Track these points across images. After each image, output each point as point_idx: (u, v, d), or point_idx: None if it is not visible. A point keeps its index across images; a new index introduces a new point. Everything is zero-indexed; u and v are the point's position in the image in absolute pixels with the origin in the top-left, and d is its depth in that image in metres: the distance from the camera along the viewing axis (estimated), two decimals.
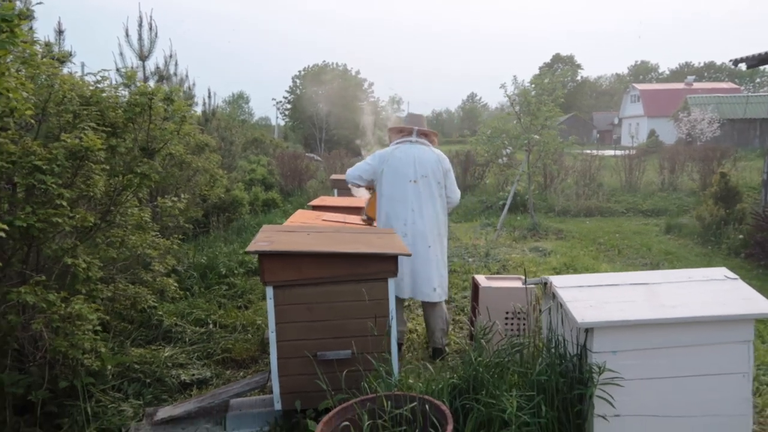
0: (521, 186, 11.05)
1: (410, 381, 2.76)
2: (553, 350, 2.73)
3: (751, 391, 2.61)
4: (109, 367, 3.71)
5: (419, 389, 2.66)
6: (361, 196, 5.66)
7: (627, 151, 16.77)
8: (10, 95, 2.28)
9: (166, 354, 4.32)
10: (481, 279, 4.42)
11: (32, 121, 3.07)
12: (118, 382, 3.77)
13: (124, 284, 4.37)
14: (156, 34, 7.77)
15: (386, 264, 3.02)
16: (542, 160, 10.25)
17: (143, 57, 7.79)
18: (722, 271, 2.88)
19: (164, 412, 3.39)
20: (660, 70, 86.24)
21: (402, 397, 2.48)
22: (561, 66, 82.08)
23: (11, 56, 2.17)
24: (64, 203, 3.05)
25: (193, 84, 10.01)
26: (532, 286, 3.62)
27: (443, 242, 4.31)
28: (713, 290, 2.70)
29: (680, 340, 2.54)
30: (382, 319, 3.03)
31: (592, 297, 2.65)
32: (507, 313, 4.08)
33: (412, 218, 4.12)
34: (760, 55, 9.65)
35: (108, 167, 3.68)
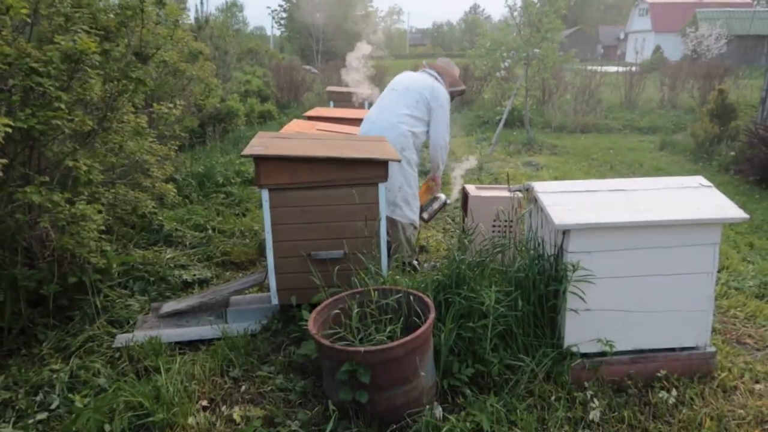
0: (518, 101, 10.98)
1: (397, 277, 2.95)
2: (532, 250, 2.91)
3: (714, 290, 2.80)
4: (115, 265, 3.91)
5: (406, 284, 2.85)
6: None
7: (628, 68, 16.42)
8: None
9: (168, 256, 4.53)
10: (471, 188, 4.54)
11: (27, 19, 3.06)
12: (124, 280, 3.99)
13: (124, 190, 4.50)
14: None
15: (377, 169, 3.14)
16: (540, 75, 10.12)
17: None
18: (698, 179, 3.01)
19: (169, 306, 3.63)
20: None
21: (389, 291, 2.68)
22: None
23: None
24: (63, 106, 3.10)
25: None
26: (519, 195, 3.75)
27: (410, 163, 4.01)
28: (686, 197, 2.84)
29: (651, 242, 2.70)
30: (372, 221, 3.18)
31: (570, 201, 2.79)
32: (494, 220, 4.25)
33: (376, 119, 4.07)
34: None
35: (103, 72, 3.70)
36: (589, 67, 17.30)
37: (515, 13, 9.67)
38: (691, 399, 2.66)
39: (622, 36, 56.40)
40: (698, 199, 2.81)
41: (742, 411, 2.56)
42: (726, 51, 28.90)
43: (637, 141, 11.84)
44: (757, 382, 2.84)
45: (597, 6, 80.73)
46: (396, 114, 3.99)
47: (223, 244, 4.90)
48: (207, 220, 5.47)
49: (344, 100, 9.02)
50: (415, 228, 4.18)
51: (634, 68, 16.66)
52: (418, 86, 4.09)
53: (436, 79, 4.24)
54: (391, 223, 4.05)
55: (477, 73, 14.07)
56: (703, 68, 16.07)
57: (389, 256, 3.62)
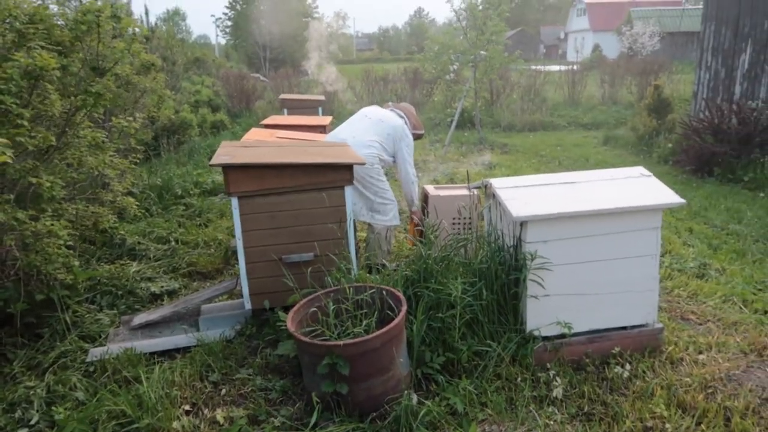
0: (468, 102, 11.29)
1: (368, 275, 3.09)
2: (492, 243, 3.10)
3: (658, 271, 3.05)
4: (81, 281, 3.89)
5: (377, 281, 2.99)
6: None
7: (570, 67, 17.07)
8: None
9: (133, 269, 4.52)
10: (430, 188, 4.72)
11: None
12: (91, 295, 3.98)
13: (84, 205, 4.47)
14: None
15: (342, 173, 3.27)
16: (488, 76, 10.45)
17: None
18: (639, 170, 3.26)
19: (140, 318, 3.65)
20: None
21: (362, 287, 2.81)
22: None
23: None
24: (25, 123, 3.11)
25: (128, 1, 9.57)
26: (475, 191, 3.95)
27: (372, 171, 4.13)
28: (630, 186, 3.09)
29: (601, 229, 2.93)
30: (340, 223, 3.31)
31: (526, 195, 2.99)
32: (455, 217, 4.44)
33: (347, 136, 4.25)
34: None
35: (60, 87, 3.70)
36: (533, 67, 17.92)
37: (461, 17, 9.95)
38: (643, 372, 2.90)
39: (562, 36, 58.27)
40: (640, 188, 3.06)
41: (688, 379, 2.81)
42: (659, 48, 30.29)
43: (582, 137, 12.36)
44: (700, 352, 3.10)
45: (537, 7, 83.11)
46: (368, 138, 4.19)
47: (188, 255, 4.93)
48: (169, 232, 5.46)
49: (298, 107, 9.10)
50: (392, 231, 4.39)
51: (575, 67, 17.31)
52: (390, 123, 4.33)
53: (404, 120, 4.47)
54: (370, 228, 4.29)
55: (426, 76, 14.37)
56: (639, 65, 16.88)
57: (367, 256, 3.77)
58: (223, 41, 50.31)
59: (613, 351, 3.03)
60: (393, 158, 4.40)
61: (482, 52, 10.04)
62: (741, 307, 3.70)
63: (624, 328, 3.11)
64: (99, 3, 4.06)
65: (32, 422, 2.66)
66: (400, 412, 2.36)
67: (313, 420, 2.41)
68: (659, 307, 3.65)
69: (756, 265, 4.48)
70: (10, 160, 1.77)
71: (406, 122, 4.49)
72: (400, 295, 2.66)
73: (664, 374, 2.87)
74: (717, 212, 6.05)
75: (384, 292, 2.75)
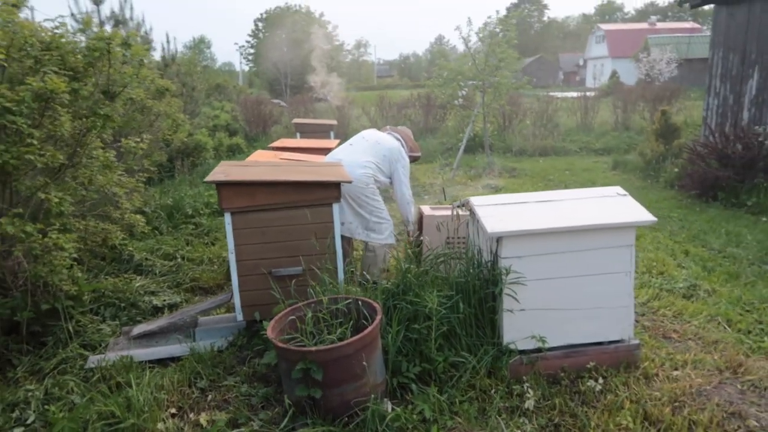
0: (478, 127, 11.46)
1: (350, 287, 3.22)
2: (471, 258, 3.22)
3: (633, 287, 3.14)
4: (86, 292, 4.09)
5: (358, 293, 3.12)
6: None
7: (583, 93, 17.19)
8: None
9: (138, 283, 4.72)
10: (426, 209, 4.86)
11: (4, 64, 3.31)
12: (96, 306, 4.18)
13: (94, 222, 4.70)
14: None
15: (330, 191, 3.43)
16: (497, 102, 10.63)
17: (97, 1, 7.80)
18: (616, 189, 3.37)
19: (139, 328, 3.82)
20: (625, 10, 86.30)
21: (340, 299, 2.95)
22: (528, 6, 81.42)
23: None
24: (35, 142, 3.34)
25: (150, 29, 10.06)
26: (461, 211, 4.07)
27: (367, 191, 4.29)
28: (605, 205, 3.19)
29: (575, 246, 3.03)
30: (327, 239, 3.46)
31: (503, 212, 3.11)
32: (448, 237, 4.56)
33: (345, 155, 4.42)
34: None
35: (72, 110, 3.94)
36: (550, 93, 18.09)
37: (470, 44, 10.19)
38: (616, 386, 2.96)
39: (581, 62, 58.51)
40: (614, 206, 3.17)
41: (658, 393, 2.87)
42: (677, 74, 30.28)
43: (593, 162, 12.41)
44: (675, 369, 3.16)
45: (556, 34, 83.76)
46: (364, 159, 4.35)
47: (192, 271, 5.11)
48: (176, 249, 5.67)
49: (310, 131, 9.35)
50: (388, 250, 4.51)
51: (588, 93, 17.41)
52: (387, 144, 4.50)
53: (400, 142, 4.65)
54: (366, 246, 4.45)
55: (437, 102, 14.60)
56: (652, 91, 16.92)
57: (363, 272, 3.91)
58: (246, 68, 51.56)
59: (588, 366, 3.10)
60: (389, 179, 4.55)
61: (495, 78, 10.22)
62: (725, 327, 3.74)
63: (600, 343, 3.18)
64: (114, 31, 4.34)
65: (28, 421, 2.83)
66: (368, 415, 2.47)
67: (284, 422, 2.53)
68: (642, 326, 3.73)
69: (747, 287, 4.50)
70: None
71: (402, 145, 4.65)
72: (376, 305, 2.79)
73: (636, 389, 2.93)
74: (716, 236, 6.07)
75: (360, 303, 2.88)
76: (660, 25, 51.41)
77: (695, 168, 8.10)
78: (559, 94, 22.17)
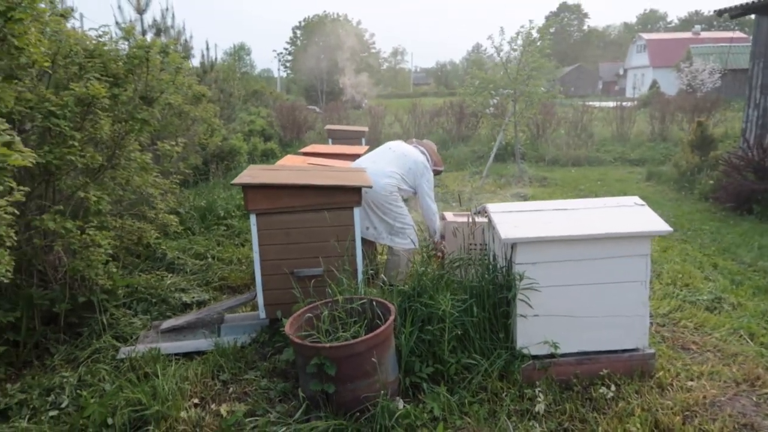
0: (509, 135, 11.46)
1: (367, 288, 3.33)
2: (486, 263, 3.28)
3: (648, 297, 3.14)
4: (120, 287, 4.30)
5: (375, 295, 3.22)
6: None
7: (619, 102, 16.95)
8: (31, 50, 2.75)
9: (169, 281, 4.92)
10: (449, 215, 4.93)
11: (49, 71, 3.54)
12: (129, 301, 4.38)
13: (130, 221, 4.93)
14: None
15: (351, 195, 3.54)
16: (528, 110, 10.62)
17: (140, 10, 8.14)
18: (633, 199, 3.39)
19: (168, 323, 4.00)
20: (669, 19, 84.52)
21: (356, 298, 3.05)
22: (567, 15, 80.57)
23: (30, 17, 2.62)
24: (76, 144, 3.55)
25: (191, 36, 10.36)
26: (479, 218, 4.13)
27: (391, 198, 4.37)
28: (621, 214, 3.22)
29: (588, 254, 3.07)
30: (348, 242, 3.57)
31: (517, 219, 3.17)
32: (470, 243, 4.62)
33: (371, 164, 4.53)
34: (742, 5, 9.85)
35: (112, 114, 4.16)
36: (587, 103, 17.87)
37: (502, 53, 10.22)
38: (629, 394, 2.98)
39: (621, 72, 57.53)
40: (630, 215, 3.19)
41: (670, 402, 2.88)
42: (721, 84, 29.49)
43: (627, 172, 12.25)
44: (691, 379, 3.15)
45: (597, 43, 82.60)
46: (389, 168, 4.45)
47: (221, 270, 5.29)
48: (207, 249, 5.87)
49: (342, 137, 9.51)
50: (410, 255, 4.56)
51: (625, 103, 17.17)
52: (413, 158, 4.58)
53: (425, 156, 4.72)
54: (390, 250, 4.52)
55: (468, 110, 14.64)
56: (691, 102, 16.58)
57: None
58: (284, 75, 52.42)
59: (602, 373, 3.12)
60: (413, 190, 4.62)
61: (524, 87, 10.22)
62: (747, 340, 3.70)
63: (615, 351, 3.20)
64: (153, 39, 4.56)
65: (62, 405, 3.01)
66: (378, 411, 2.56)
67: (298, 414, 2.64)
68: (662, 336, 3.72)
69: None
70: (29, 163, 2.07)
71: (427, 158, 4.73)
72: (390, 305, 2.88)
73: (648, 397, 2.94)
74: (748, 249, 5.95)
75: (374, 303, 2.97)
76: (704, 34, 50.14)
77: (730, 180, 7.94)
78: (597, 104, 21.90)
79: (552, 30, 10.47)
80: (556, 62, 10.91)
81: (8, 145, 1.83)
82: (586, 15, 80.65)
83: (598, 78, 63.28)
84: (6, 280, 2.56)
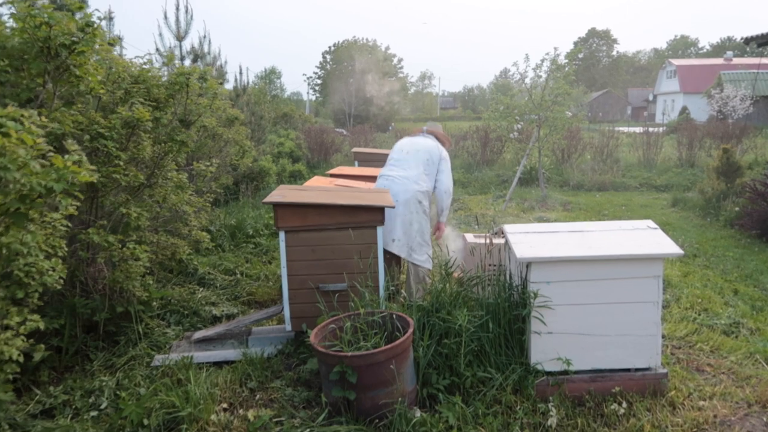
0: (533, 160, 11.57)
1: (388, 303, 3.49)
2: (502, 282, 3.42)
3: (660, 317, 3.24)
4: (155, 299, 4.54)
5: (394, 309, 3.38)
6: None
7: (646, 128, 16.93)
8: (89, 78, 3.03)
9: (200, 295, 5.16)
10: (470, 237, 5.09)
11: (103, 97, 3.83)
12: (162, 312, 4.61)
13: (165, 237, 5.20)
14: (191, 16, 8.54)
15: (375, 214, 3.73)
16: (552, 136, 10.75)
17: (180, 38, 8.57)
18: (647, 223, 3.50)
19: (199, 333, 4.21)
20: (700, 45, 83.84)
21: (377, 312, 3.21)
22: (596, 41, 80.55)
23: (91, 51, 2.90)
24: (121, 163, 3.83)
25: (225, 62, 10.82)
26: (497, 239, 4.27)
27: (419, 209, 4.56)
28: (634, 236, 3.34)
29: (601, 274, 3.19)
30: (371, 259, 3.76)
31: (533, 240, 3.31)
32: (490, 265, 4.76)
33: (393, 176, 4.68)
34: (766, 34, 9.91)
35: (153, 136, 4.45)
36: (616, 128, 17.87)
37: (527, 79, 10.40)
38: (640, 411, 3.07)
39: (651, 97, 57.17)
40: (643, 238, 3.30)
41: (680, 420, 2.96)
42: (753, 111, 29.13)
43: (652, 198, 12.23)
44: (703, 399, 3.22)
45: (626, 69, 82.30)
46: (415, 173, 4.65)
47: (249, 286, 5.52)
48: (236, 265, 6.11)
49: (368, 160, 9.75)
50: (429, 270, 4.72)
51: (651, 129, 17.14)
52: (425, 147, 4.81)
53: (437, 140, 4.96)
54: (412, 266, 4.62)
55: (492, 135, 14.81)
56: (720, 128, 16.48)
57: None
58: (312, 98, 53.39)
59: (614, 390, 3.21)
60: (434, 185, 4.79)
61: (547, 113, 10.37)
62: (763, 364, 3.74)
63: (628, 370, 3.29)
64: (191, 66, 4.87)
65: (102, 407, 3.22)
66: (395, 418, 2.70)
67: (320, 418, 2.80)
68: (677, 358, 3.80)
69: None
70: (94, 179, 2.32)
71: (439, 142, 4.98)
72: (409, 319, 3.04)
73: (659, 415, 3.03)
74: None
75: (395, 317, 3.13)
76: (737, 60, 49.58)
77: (756, 207, 7.93)
78: (625, 129, 21.85)
79: (580, 56, 10.62)
80: (585, 87, 11.03)
81: (78, 163, 2.06)
82: (615, 41, 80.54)
83: (627, 103, 63.00)
84: (58, 287, 2.80)
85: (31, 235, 2.17)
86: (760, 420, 3.00)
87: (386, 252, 4.26)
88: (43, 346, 2.91)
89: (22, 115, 1.87)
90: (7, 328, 2.40)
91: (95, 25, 2.81)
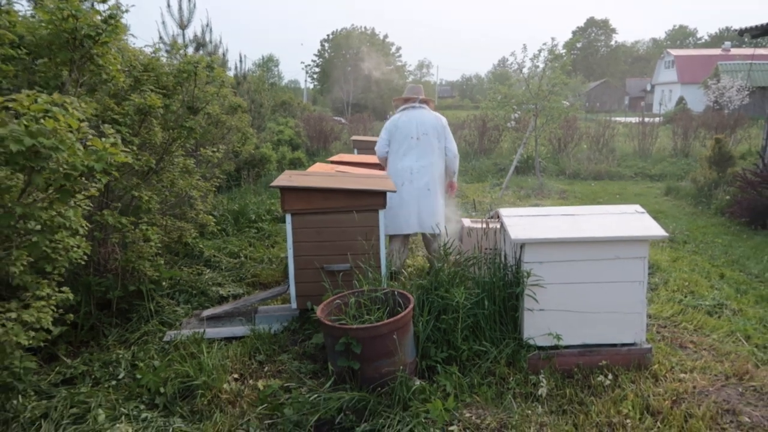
0: (530, 149, 11.76)
1: (391, 283, 3.69)
2: (497, 262, 3.62)
3: (645, 296, 3.45)
4: (165, 279, 4.73)
5: (396, 287, 3.59)
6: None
7: (641, 118, 17.11)
8: (110, 68, 3.20)
9: (207, 276, 5.35)
10: (467, 221, 5.29)
11: (124, 85, 3.96)
12: (172, 292, 4.81)
13: (172, 220, 5.38)
14: (194, 5, 8.66)
15: (377, 198, 3.92)
16: (548, 125, 10.93)
17: (183, 26, 8.70)
18: (635, 207, 3.70)
19: (208, 311, 4.41)
20: (699, 35, 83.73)
21: (380, 290, 3.42)
22: (595, 30, 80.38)
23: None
24: (134, 148, 4.00)
25: (227, 50, 10.96)
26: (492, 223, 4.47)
27: (441, 187, 5.17)
28: (622, 220, 3.54)
29: (589, 255, 3.39)
30: (373, 241, 3.95)
31: (527, 222, 3.51)
32: (486, 248, 4.96)
33: (416, 168, 5.03)
34: (762, 26, 10.06)
35: (162, 122, 4.62)
36: (613, 118, 18.03)
37: (524, 69, 10.57)
38: (624, 382, 3.28)
39: (648, 87, 57.21)
40: (630, 221, 3.50)
41: (661, 390, 3.17)
42: (749, 102, 29.29)
43: (646, 187, 12.44)
44: (684, 372, 3.44)
45: (625, 59, 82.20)
46: (432, 159, 5.09)
47: (253, 268, 5.71)
48: (240, 249, 6.31)
49: (367, 147, 9.92)
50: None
51: (648, 119, 17.32)
52: (431, 125, 5.12)
53: (428, 109, 5.26)
54: (432, 237, 5.06)
55: (490, 124, 14.97)
56: (715, 119, 16.67)
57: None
58: (311, 86, 53.27)
59: (601, 364, 3.43)
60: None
61: (544, 102, 10.54)
62: (743, 341, 3.96)
63: (614, 345, 3.51)
64: (198, 55, 5.02)
65: (120, 377, 3.42)
66: (397, 386, 2.91)
67: (327, 384, 3.01)
68: (662, 336, 4.01)
69: None
70: (130, 160, 2.52)
71: (431, 109, 5.29)
72: (409, 296, 3.24)
73: (642, 386, 3.24)
74: (757, 261, 6.17)
75: (396, 293, 3.34)
76: (734, 51, 49.61)
77: (746, 196, 8.14)
78: (622, 119, 22.02)
79: (579, 45, 10.78)
80: (583, 77, 11.20)
81: (114, 145, 2.24)
82: (614, 30, 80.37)
83: (625, 93, 63.03)
84: (83, 263, 2.99)
85: (73, 210, 2.36)
86: (735, 390, 3.22)
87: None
88: (67, 317, 3.10)
89: (65, 102, 2.05)
90: (40, 298, 2.59)
91: (117, 17, 2.98)
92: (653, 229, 3.41)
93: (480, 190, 11.38)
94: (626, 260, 3.40)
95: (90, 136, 2.16)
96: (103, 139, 2.23)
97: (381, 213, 3.97)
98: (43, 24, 2.90)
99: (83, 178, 2.22)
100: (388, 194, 3.98)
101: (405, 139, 5.12)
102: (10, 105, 1.94)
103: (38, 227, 2.35)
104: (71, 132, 2.00)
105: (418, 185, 4.99)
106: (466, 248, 4.58)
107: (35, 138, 1.88)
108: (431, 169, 5.06)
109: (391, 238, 5.10)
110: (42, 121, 1.91)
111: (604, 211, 3.69)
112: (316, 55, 52.72)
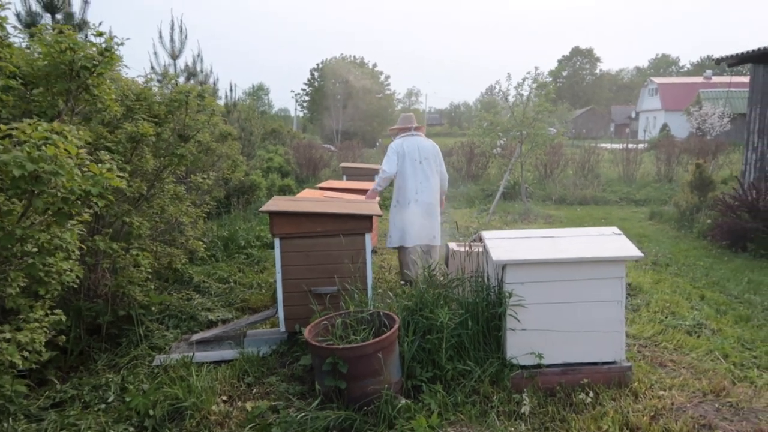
0: (516, 175, 11.96)
1: (377, 304, 3.77)
2: (480, 283, 3.72)
3: (623, 315, 3.55)
4: (155, 303, 4.78)
5: (381, 307, 3.67)
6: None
7: (625, 145, 17.47)
8: (105, 97, 3.32)
9: (196, 301, 5.40)
10: (453, 245, 5.40)
11: (117, 114, 4.08)
12: (161, 316, 4.85)
13: (162, 246, 5.45)
14: (186, 35, 8.84)
15: (364, 222, 4.03)
16: (533, 151, 11.15)
17: (174, 56, 8.86)
18: (612, 229, 3.83)
19: (197, 335, 4.46)
20: (681, 64, 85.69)
21: (366, 311, 3.50)
22: (580, 59, 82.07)
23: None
24: (126, 175, 4.09)
25: (217, 79, 11.13)
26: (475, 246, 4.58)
27: (438, 204, 5.85)
28: (600, 241, 3.66)
29: (569, 275, 3.50)
30: (360, 264, 4.04)
31: (509, 244, 3.63)
32: (471, 271, 5.07)
33: (421, 188, 5.67)
34: (738, 55, 10.42)
35: (153, 149, 4.73)
36: (599, 144, 18.36)
37: (509, 98, 10.82)
38: (605, 400, 3.36)
39: (633, 115, 58.27)
40: (607, 243, 3.63)
41: (640, 406, 3.26)
42: (732, 128, 29.94)
43: (631, 212, 12.65)
44: (663, 390, 3.53)
45: (609, 87, 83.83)
46: (434, 181, 5.75)
47: (242, 293, 5.77)
48: (230, 274, 6.37)
49: (356, 174, 10.09)
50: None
51: (632, 145, 17.67)
52: (431, 152, 5.81)
53: (423, 136, 5.90)
54: (432, 249, 5.72)
55: (477, 151, 15.21)
56: (697, 144, 17.05)
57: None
58: (300, 114, 53.71)
59: (582, 382, 3.51)
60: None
61: (528, 130, 10.78)
62: (721, 360, 4.07)
63: (595, 363, 3.60)
64: (189, 85, 5.16)
65: (109, 400, 3.46)
66: (382, 404, 2.98)
67: (314, 404, 3.07)
68: (643, 355, 4.11)
69: (754, 330, 4.78)
70: (124, 186, 2.62)
71: (425, 137, 5.92)
72: (395, 316, 3.33)
73: (623, 403, 3.33)
74: (737, 283, 6.31)
75: (382, 314, 3.42)
76: (716, 79, 50.82)
77: (726, 219, 8.33)
78: (607, 146, 22.41)
79: (564, 73, 11.10)
80: (569, 105, 11.49)
81: (110, 170, 2.34)
82: (598, 59, 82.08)
83: (611, 120, 64.12)
84: (75, 286, 3.05)
85: (70, 233, 2.44)
86: (712, 406, 3.32)
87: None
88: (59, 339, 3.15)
89: (64, 130, 2.15)
90: (34, 320, 2.65)
91: (113, 50, 3.11)
92: (629, 249, 3.54)
93: (468, 215, 11.51)
94: (604, 280, 3.52)
95: (87, 162, 2.26)
96: (99, 165, 2.33)
97: (368, 236, 4.07)
98: (40, 56, 3.02)
99: (80, 202, 2.31)
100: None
101: (411, 162, 5.69)
102: (13, 133, 2.05)
103: (35, 249, 2.43)
104: (70, 158, 2.10)
105: (423, 203, 5.66)
106: (451, 270, 4.68)
107: (37, 163, 1.98)
108: (433, 189, 5.73)
109: (402, 249, 5.72)
110: (43, 147, 2.01)
111: (583, 233, 3.82)
112: (305, 84, 53.34)
